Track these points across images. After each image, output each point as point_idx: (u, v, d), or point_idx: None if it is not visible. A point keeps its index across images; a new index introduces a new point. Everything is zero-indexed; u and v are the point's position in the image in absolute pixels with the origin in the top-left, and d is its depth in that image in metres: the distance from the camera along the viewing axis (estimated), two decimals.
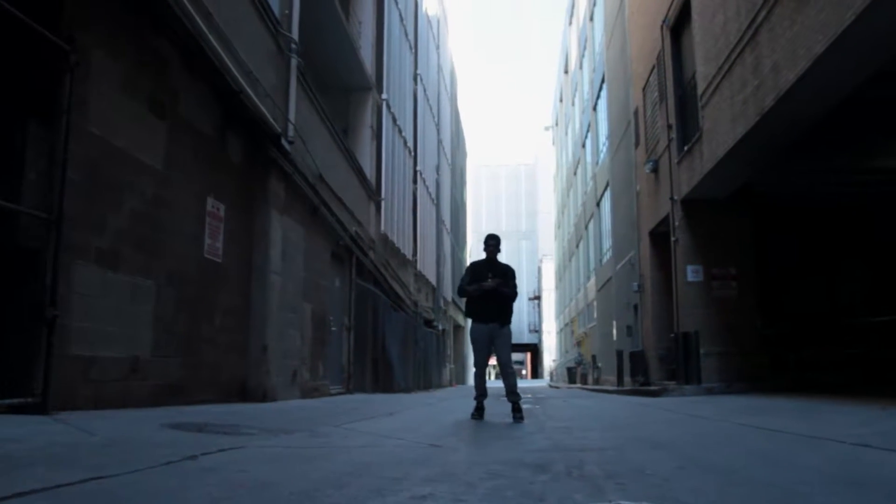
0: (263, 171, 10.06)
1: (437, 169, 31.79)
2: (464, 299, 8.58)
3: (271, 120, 9.84)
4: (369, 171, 17.11)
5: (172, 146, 7.70)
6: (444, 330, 33.89)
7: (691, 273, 16.04)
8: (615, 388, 20.47)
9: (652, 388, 15.40)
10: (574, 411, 10.55)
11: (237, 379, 9.41)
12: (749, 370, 15.30)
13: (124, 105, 6.77)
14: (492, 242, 8.35)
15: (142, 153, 7.06)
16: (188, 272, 8.05)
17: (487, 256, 8.35)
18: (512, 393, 8.14)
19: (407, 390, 21.36)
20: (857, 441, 4.67)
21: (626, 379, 20.84)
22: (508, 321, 8.31)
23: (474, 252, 65.13)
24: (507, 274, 8.28)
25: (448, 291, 33.89)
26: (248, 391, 9.59)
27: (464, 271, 8.51)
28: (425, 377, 26.76)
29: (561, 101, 52.93)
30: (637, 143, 21.57)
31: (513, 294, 8.24)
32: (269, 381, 9.75)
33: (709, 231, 16.19)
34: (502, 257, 8.68)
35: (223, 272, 8.94)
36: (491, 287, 8.05)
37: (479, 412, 8.13)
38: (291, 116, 10.79)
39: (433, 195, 29.59)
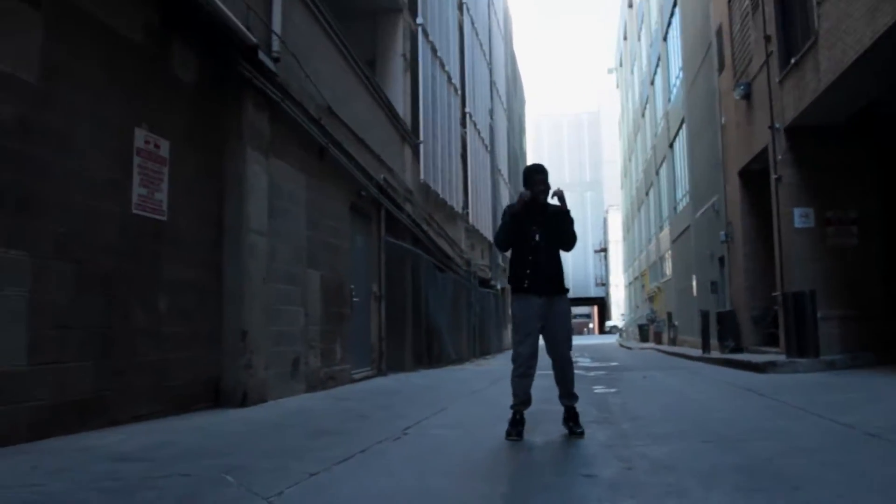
0: (235, 96, 7.47)
1: (491, 113, 28.82)
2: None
3: (241, 26, 7.20)
4: (402, 109, 14.39)
5: (60, 51, 5.15)
6: (503, 289, 31.25)
7: (800, 218, 12.97)
8: (699, 354, 17.59)
9: (752, 359, 12.51)
10: (666, 403, 7.85)
11: (205, 379, 6.97)
12: (874, 337, 12.28)
13: None
14: (539, 177, 5.59)
15: None
16: (102, 237, 5.56)
17: (535, 195, 5.64)
18: (569, 395, 5.58)
19: (460, 361, 18.93)
20: None
21: (713, 342, 17.93)
22: (564, 288, 5.66)
23: None
24: (560, 211, 5.63)
25: None
26: (222, 393, 7.16)
27: (503, 218, 5.84)
28: (483, 342, 24.28)
29: (625, 38, 48.93)
30: (721, 68, 18.30)
31: (570, 238, 5.62)
32: (251, 378, 7.29)
33: (821, 165, 13.06)
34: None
35: (171, 235, 6.43)
36: (525, 197, 5.53)
37: (516, 428, 5.47)
38: (276, 25, 8.15)
39: (486, 141, 26.69)
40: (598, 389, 9.90)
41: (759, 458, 4.46)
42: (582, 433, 5.39)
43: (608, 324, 78.70)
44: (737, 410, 7.07)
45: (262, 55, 7.60)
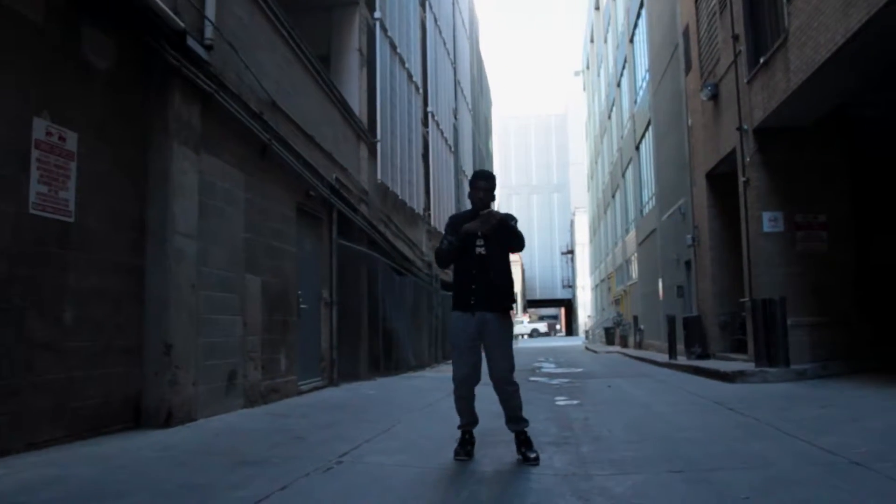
0: (160, 86, 6.77)
1: (456, 113, 28.21)
2: None
3: (166, 9, 6.51)
4: (358, 106, 13.72)
5: None
6: None
7: (768, 222, 12.57)
8: (666, 360, 17.15)
9: (720, 367, 12.06)
10: (630, 419, 7.30)
11: (123, 397, 6.27)
12: (845, 344, 11.92)
13: None
14: (482, 184, 5.17)
15: None
16: None
17: (475, 207, 5.17)
18: (515, 420, 5.07)
19: (420, 366, 18.32)
20: None
21: (679, 347, 17.51)
22: (508, 304, 5.18)
23: (502, 206, 61.24)
24: (506, 223, 5.09)
25: None
26: (144, 413, 6.47)
27: (445, 230, 5.34)
28: (445, 347, 23.60)
29: (592, 41, 48.67)
30: (688, 69, 17.91)
31: (519, 241, 5.14)
32: (177, 396, 6.60)
33: (791, 168, 12.66)
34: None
35: (80, 238, 5.73)
36: (476, 229, 5.03)
37: (464, 448, 5.16)
38: (210, 11, 7.45)
39: (450, 141, 26.07)
40: (560, 401, 9.38)
41: (734, 496, 3.92)
42: (536, 459, 4.88)
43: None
44: (706, 429, 6.54)
45: (191, 41, 6.92)
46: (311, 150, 10.62)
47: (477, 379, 5.14)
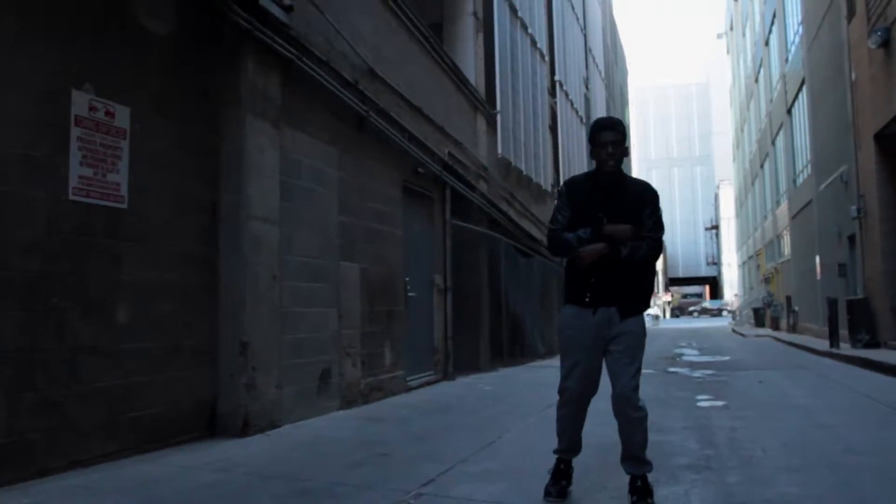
0: (231, 53, 6.04)
1: (587, 82, 26.68)
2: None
3: None
4: (473, 75, 12.71)
5: None
6: None
7: None
8: (826, 348, 15.22)
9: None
10: (790, 432, 5.98)
11: (194, 403, 5.61)
12: None
13: None
14: (608, 136, 3.85)
15: None
16: (19, 232, 4.22)
17: (600, 167, 3.94)
18: (634, 460, 3.80)
19: (550, 354, 17.20)
20: None
21: (842, 332, 15.52)
22: (640, 307, 3.95)
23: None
24: (644, 202, 3.89)
25: None
26: (219, 420, 5.80)
27: (559, 200, 4.14)
28: None
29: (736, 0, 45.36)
30: (851, 15, 15.71)
31: (655, 251, 3.86)
32: (255, 401, 5.89)
33: None
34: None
35: (135, 226, 5.05)
36: (603, 247, 3.81)
37: (557, 484, 3.95)
38: None
39: (581, 112, 24.61)
40: (703, 402, 8.11)
41: None
42: None
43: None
44: (891, 452, 5.15)
45: (264, 1, 6.13)
46: (418, 122, 9.73)
47: (592, 393, 4.01)
